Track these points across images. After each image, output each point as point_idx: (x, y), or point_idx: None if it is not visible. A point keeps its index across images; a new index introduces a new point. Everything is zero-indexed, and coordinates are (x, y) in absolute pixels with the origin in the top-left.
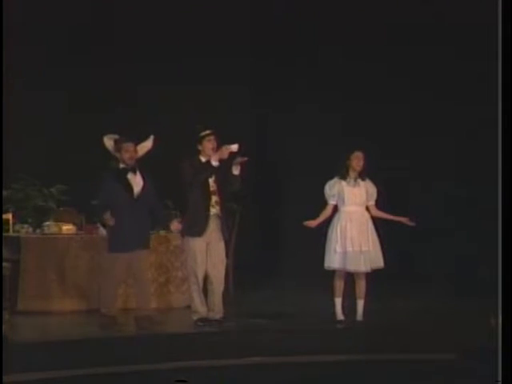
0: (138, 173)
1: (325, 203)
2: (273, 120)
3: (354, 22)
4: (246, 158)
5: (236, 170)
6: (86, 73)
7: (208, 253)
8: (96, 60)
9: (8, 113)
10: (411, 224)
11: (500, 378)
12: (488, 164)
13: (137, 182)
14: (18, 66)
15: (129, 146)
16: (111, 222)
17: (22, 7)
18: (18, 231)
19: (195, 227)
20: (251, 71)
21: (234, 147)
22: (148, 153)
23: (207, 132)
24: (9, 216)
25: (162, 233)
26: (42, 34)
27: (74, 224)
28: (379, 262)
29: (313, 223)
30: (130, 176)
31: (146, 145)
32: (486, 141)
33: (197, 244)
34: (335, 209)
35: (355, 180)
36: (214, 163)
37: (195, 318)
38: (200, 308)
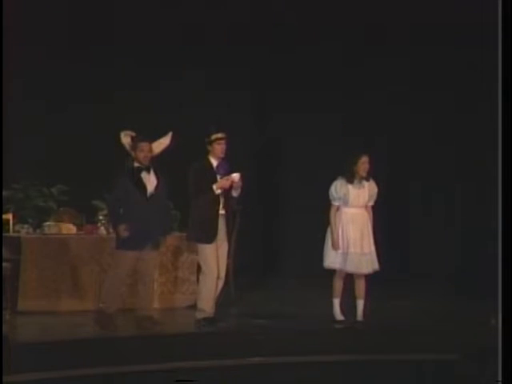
0: (152, 172)
1: (327, 203)
2: (274, 120)
3: (356, 21)
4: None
5: (235, 193)
6: (88, 72)
7: (216, 253)
8: (97, 59)
9: (8, 113)
10: None
11: (500, 378)
12: (488, 164)
13: (151, 181)
14: (18, 65)
15: (144, 145)
16: (125, 233)
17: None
18: (18, 231)
19: (205, 233)
20: (252, 73)
21: (236, 176)
22: (165, 150)
23: (219, 136)
24: (9, 216)
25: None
26: (43, 31)
27: (75, 224)
28: (377, 265)
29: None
30: (143, 175)
31: (164, 141)
32: (486, 141)
33: (208, 247)
34: (336, 208)
35: (360, 182)
36: (217, 192)
37: (200, 316)
38: (207, 307)
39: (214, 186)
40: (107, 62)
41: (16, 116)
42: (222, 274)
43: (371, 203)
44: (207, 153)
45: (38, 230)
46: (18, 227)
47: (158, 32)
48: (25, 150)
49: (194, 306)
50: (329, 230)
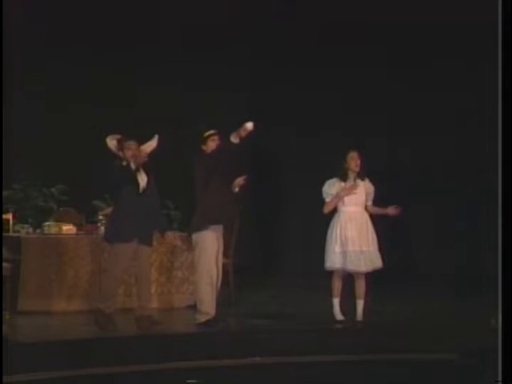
0: (141, 170)
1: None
2: (273, 121)
3: (354, 22)
4: (246, 177)
5: (235, 139)
6: (87, 73)
7: (217, 254)
8: (96, 60)
9: (8, 113)
10: (394, 212)
11: (500, 378)
12: (488, 163)
13: (142, 177)
14: (18, 65)
15: (131, 144)
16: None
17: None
18: (18, 231)
19: (214, 215)
20: (251, 72)
21: (250, 125)
22: (152, 152)
23: (211, 132)
24: (9, 216)
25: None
26: (42, 32)
27: (74, 224)
28: (378, 263)
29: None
30: (134, 172)
31: (151, 144)
32: (486, 140)
33: (210, 239)
34: (334, 209)
35: (354, 180)
36: (235, 141)
37: (204, 319)
38: (210, 309)
39: (233, 137)
40: (107, 62)
41: (16, 116)
42: (220, 272)
43: (370, 203)
44: (202, 152)
45: (37, 230)
46: (17, 227)
47: (156, 31)
48: (25, 150)
49: (193, 306)
50: (329, 232)
